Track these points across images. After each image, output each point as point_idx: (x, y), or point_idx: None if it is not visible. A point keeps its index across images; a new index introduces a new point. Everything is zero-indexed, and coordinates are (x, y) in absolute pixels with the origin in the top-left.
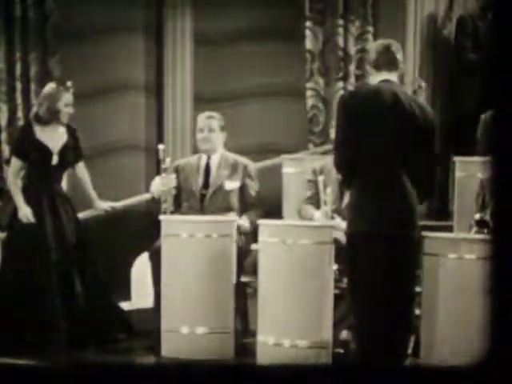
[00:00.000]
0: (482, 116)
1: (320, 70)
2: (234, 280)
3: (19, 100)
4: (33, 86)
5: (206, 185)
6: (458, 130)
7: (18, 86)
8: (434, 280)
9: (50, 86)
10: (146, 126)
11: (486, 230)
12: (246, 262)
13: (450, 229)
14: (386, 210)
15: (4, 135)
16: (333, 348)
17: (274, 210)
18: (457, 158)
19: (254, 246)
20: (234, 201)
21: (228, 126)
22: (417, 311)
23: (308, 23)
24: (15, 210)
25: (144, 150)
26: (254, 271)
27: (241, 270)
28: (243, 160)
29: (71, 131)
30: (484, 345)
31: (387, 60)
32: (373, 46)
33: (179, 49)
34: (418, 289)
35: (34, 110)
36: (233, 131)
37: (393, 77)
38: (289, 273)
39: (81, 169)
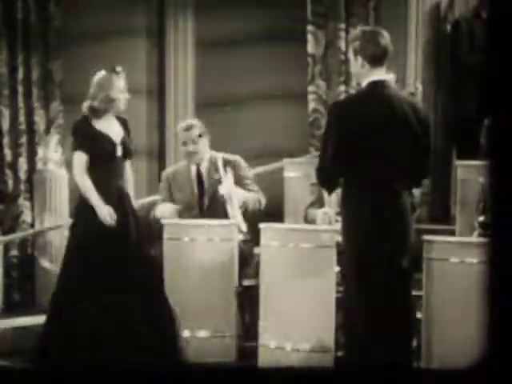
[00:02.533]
0: (486, 121)
1: (322, 73)
2: (235, 283)
3: (21, 104)
4: (35, 90)
5: (201, 195)
6: (459, 133)
7: (20, 89)
8: (435, 284)
9: (99, 75)
10: (148, 130)
11: (489, 233)
12: (248, 265)
13: (452, 233)
14: (383, 228)
15: (6, 139)
16: (335, 352)
17: (275, 214)
18: (459, 162)
19: (255, 250)
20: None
21: (229, 129)
22: (418, 314)
23: (310, 27)
24: (85, 212)
25: (145, 154)
26: (255, 275)
27: (242, 274)
28: (231, 157)
29: (122, 121)
30: (484, 348)
31: (384, 51)
32: (356, 32)
33: (181, 52)
34: (418, 292)
35: (88, 102)
36: (234, 134)
37: (383, 74)
38: (291, 276)
39: (127, 164)
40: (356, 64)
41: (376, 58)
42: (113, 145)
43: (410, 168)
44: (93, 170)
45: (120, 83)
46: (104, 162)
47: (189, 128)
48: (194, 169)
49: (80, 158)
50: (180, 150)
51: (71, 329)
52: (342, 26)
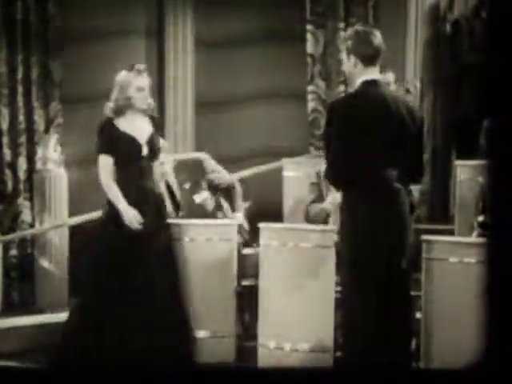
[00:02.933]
0: (485, 120)
1: (321, 73)
2: (235, 284)
3: (20, 103)
4: (34, 90)
5: (176, 209)
6: (459, 133)
7: (20, 89)
8: (435, 284)
9: (120, 74)
10: None
11: (488, 233)
12: (247, 265)
13: (451, 232)
14: (382, 226)
15: (6, 139)
16: (334, 352)
17: (274, 214)
18: (458, 162)
19: (250, 250)
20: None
21: (228, 128)
22: (417, 314)
23: (309, 26)
24: (111, 214)
25: None
26: (255, 275)
27: (241, 274)
28: (194, 155)
29: (151, 119)
30: (483, 348)
31: (377, 51)
32: (349, 32)
33: (180, 52)
34: (418, 292)
35: (109, 102)
36: (233, 134)
37: (375, 73)
38: (290, 276)
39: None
40: (349, 63)
41: (369, 57)
42: (138, 145)
43: (406, 165)
44: (119, 171)
45: (139, 82)
46: (130, 164)
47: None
48: (162, 185)
49: (104, 161)
50: None
51: (98, 330)
52: (341, 25)
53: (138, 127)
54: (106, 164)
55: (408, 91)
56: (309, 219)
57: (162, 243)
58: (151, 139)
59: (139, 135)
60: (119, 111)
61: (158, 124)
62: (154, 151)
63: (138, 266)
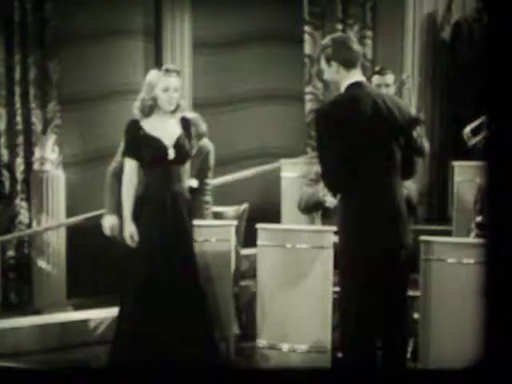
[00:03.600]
0: (484, 122)
1: (319, 74)
2: (232, 284)
3: (18, 104)
4: (31, 90)
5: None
6: (456, 134)
7: (17, 89)
8: (433, 284)
9: (150, 73)
10: None
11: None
12: (245, 266)
13: (449, 233)
14: (378, 228)
15: (3, 139)
16: (332, 352)
17: (272, 214)
18: (456, 163)
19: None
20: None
21: (226, 129)
22: (415, 315)
23: (307, 27)
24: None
25: None
26: (253, 275)
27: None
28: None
29: (184, 122)
30: (481, 348)
31: (357, 56)
32: (326, 41)
33: (178, 52)
34: (416, 293)
35: (136, 103)
36: (231, 135)
37: (359, 75)
38: (288, 277)
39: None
40: (330, 71)
41: (350, 61)
42: (163, 148)
43: (400, 161)
44: (146, 174)
45: (166, 82)
46: (156, 167)
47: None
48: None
49: (127, 165)
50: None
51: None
52: (339, 26)
53: (165, 129)
54: (128, 168)
55: (402, 83)
56: (301, 205)
57: (189, 248)
58: (178, 142)
59: (166, 137)
60: (146, 112)
61: (189, 127)
62: (182, 154)
63: (165, 271)
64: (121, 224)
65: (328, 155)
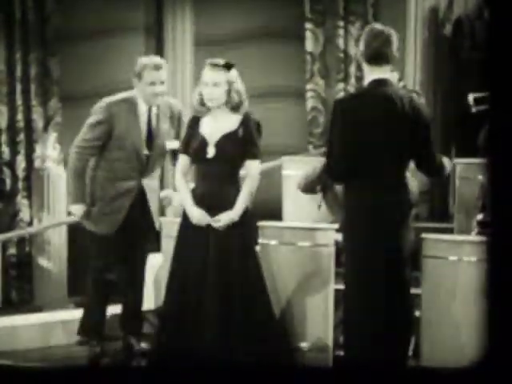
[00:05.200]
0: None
1: (320, 71)
2: None
3: (19, 101)
4: (33, 87)
5: (149, 144)
6: (458, 131)
7: (18, 87)
8: (434, 282)
9: (203, 69)
10: None
11: (488, 231)
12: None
13: (450, 231)
14: (382, 226)
15: (4, 137)
16: (333, 351)
17: (274, 212)
18: (457, 160)
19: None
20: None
21: None
22: (417, 313)
23: (308, 24)
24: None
25: None
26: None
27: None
28: (177, 104)
29: (245, 121)
30: (483, 346)
31: (375, 53)
32: (363, 33)
33: (179, 50)
34: (417, 291)
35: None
36: None
37: (384, 73)
38: (289, 275)
39: (249, 170)
40: (362, 63)
41: (370, 58)
42: (204, 146)
43: (416, 162)
44: (194, 171)
45: (207, 76)
46: (196, 164)
47: (159, 67)
48: (143, 109)
49: (181, 159)
50: (145, 90)
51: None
52: (341, 23)
53: (215, 126)
54: (180, 164)
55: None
56: (301, 184)
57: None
58: (221, 140)
59: (211, 135)
60: (201, 108)
61: (248, 127)
62: (223, 154)
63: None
64: (88, 211)
65: (334, 144)
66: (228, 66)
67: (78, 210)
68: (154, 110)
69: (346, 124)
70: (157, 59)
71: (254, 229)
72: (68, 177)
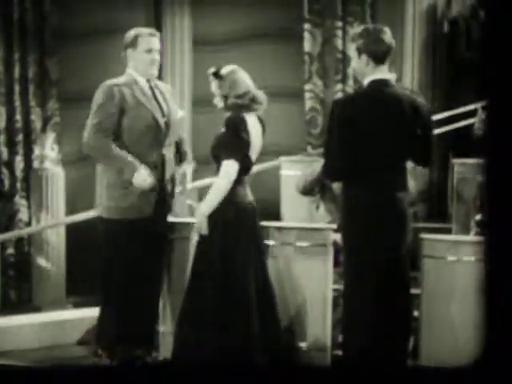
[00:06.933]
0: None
1: (318, 71)
2: None
3: (17, 102)
4: (31, 88)
5: (162, 112)
6: (456, 131)
7: (17, 87)
8: (433, 282)
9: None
10: None
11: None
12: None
13: (448, 231)
14: (382, 226)
15: (3, 137)
16: (331, 350)
17: (272, 212)
18: (455, 160)
19: None
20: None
21: None
22: (415, 313)
23: (306, 25)
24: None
25: None
26: None
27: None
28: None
29: (262, 122)
30: (481, 346)
31: (387, 51)
32: (359, 31)
33: (178, 50)
34: (416, 291)
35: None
36: None
37: (385, 72)
38: (287, 275)
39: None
40: (360, 62)
41: (380, 55)
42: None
43: (414, 159)
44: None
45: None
46: (245, 172)
47: (153, 34)
48: (142, 83)
49: (235, 166)
50: (141, 58)
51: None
52: (339, 24)
53: (255, 129)
54: (234, 171)
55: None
56: (299, 186)
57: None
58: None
59: (255, 141)
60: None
61: (264, 125)
62: (214, 154)
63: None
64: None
65: (333, 144)
66: (215, 74)
67: (144, 174)
68: (152, 83)
69: (345, 124)
70: (150, 29)
71: (253, 229)
72: (104, 157)
